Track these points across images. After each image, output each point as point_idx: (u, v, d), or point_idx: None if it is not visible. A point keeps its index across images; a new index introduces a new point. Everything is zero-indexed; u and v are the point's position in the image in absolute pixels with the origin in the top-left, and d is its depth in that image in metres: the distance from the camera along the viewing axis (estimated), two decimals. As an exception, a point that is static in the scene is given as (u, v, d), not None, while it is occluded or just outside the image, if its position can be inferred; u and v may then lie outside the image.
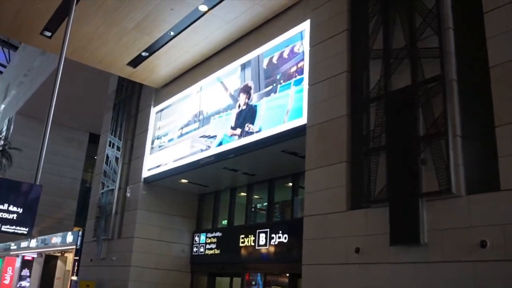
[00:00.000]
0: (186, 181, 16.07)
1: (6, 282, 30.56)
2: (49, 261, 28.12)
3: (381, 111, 8.53)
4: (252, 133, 12.45)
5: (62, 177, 33.88)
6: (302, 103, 10.98)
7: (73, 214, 32.86)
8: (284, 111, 11.56)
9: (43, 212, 26.69)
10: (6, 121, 38.73)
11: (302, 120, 10.81)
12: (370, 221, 8.45)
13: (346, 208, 9.00)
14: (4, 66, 49.14)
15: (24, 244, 29.22)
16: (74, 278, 20.31)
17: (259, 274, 14.61)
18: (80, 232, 21.70)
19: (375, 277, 8.16)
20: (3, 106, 42.34)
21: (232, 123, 13.32)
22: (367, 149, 8.65)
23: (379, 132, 8.45)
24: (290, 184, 14.25)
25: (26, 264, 29.27)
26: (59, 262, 27.88)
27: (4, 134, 37.94)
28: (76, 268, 21.03)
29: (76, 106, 28.70)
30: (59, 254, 27.25)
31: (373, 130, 8.60)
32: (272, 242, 13.78)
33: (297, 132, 10.96)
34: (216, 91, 14.50)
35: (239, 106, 13.27)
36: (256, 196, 16.08)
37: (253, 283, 14.81)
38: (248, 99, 12.95)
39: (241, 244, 14.90)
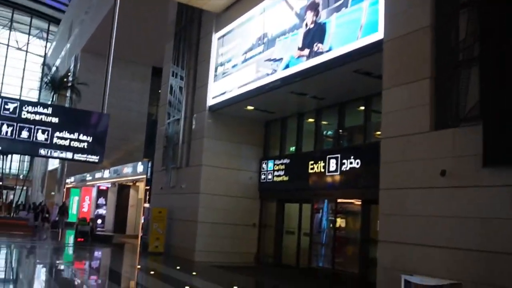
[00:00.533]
0: (252, 107, 15.65)
1: (85, 210, 32.41)
2: (122, 190, 29.36)
3: (474, 17, 7.49)
4: (321, 53, 11.65)
5: (129, 111, 34.66)
6: (377, 16, 9.99)
7: (142, 146, 33.69)
8: (357, 26, 10.62)
9: (113, 145, 27.56)
10: (73, 58, 39.61)
11: (378, 35, 9.89)
12: (458, 142, 7.68)
13: (430, 129, 8.24)
14: (66, 5, 49.71)
15: (98, 174, 30.55)
16: (147, 205, 20.98)
17: (326, 200, 14.30)
18: (149, 162, 22.16)
19: (464, 202, 7.50)
20: (68, 44, 43.20)
21: (299, 43, 12.53)
22: (456, 62, 7.72)
23: (471, 42, 7.46)
24: (362, 107, 13.47)
25: (102, 193, 30.75)
26: (131, 191, 29.05)
27: (72, 71, 38.97)
28: (148, 196, 21.70)
29: (138, 40, 28.70)
30: (131, 184, 28.32)
31: (463, 40, 7.62)
32: (343, 168, 13.26)
33: (372, 49, 10.08)
34: (280, 11, 13.63)
35: (306, 25, 12.40)
36: (325, 122, 15.47)
37: (322, 209, 14.56)
38: (316, 16, 12.03)
39: (310, 171, 14.51)
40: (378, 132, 12.83)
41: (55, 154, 12.66)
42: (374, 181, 9.83)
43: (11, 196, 49.66)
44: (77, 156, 12.54)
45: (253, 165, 17.09)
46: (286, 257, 15.98)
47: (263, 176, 16.83)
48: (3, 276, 11.45)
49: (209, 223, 16.16)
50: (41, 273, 12.66)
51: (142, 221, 20.88)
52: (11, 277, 11.47)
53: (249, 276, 13.92)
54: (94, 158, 12.66)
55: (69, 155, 12.49)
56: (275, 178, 16.13)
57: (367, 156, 12.42)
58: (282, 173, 15.81)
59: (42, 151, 12.36)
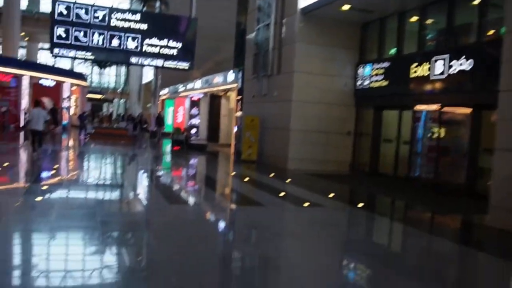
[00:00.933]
0: (348, 7, 14.39)
1: (179, 120, 33.41)
2: (214, 100, 29.69)
3: None
4: None
5: (217, 21, 33.97)
6: None
7: (231, 57, 33.33)
8: None
9: (203, 56, 27.45)
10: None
11: None
12: None
13: None
14: None
15: (190, 85, 30.97)
16: (239, 114, 20.94)
17: (429, 106, 13.16)
18: (240, 72, 21.81)
19: None
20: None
21: None
22: None
23: None
24: (476, 1, 11.81)
25: (194, 103, 31.34)
26: (223, 101, 29.28)
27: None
28: (239, 105, 21.61)
29: None
30: (223, 93, 28.43)
31: None
32: (450, 71, 11.99)
33: None
34: None
35: None
36: (430, 20, 13.91)
37: (425, 116, 13.50)
38: None
39: (412, 74, 13.35)
40: (492, 31, 11.36)
41: (146, 62, 12.54)
42: (487, 85, 8.68)
43: (111, 109, 52.51)
44: (167, 63, 12.35)
45: (348, 70, 16.11)
46: (382, 166, 15.35)
47: (359, 82, 15.87)
48: (109, 182, 11.97)
49: (302, 131, 15.76)
50: (142, 179, 13.13)
51: (235, 130, 20.96)
52: (116, 183, 11.96)
53: (343, 184, 13.54)
54: (184, 65, 12.42)
55: (159, 62, 12.32)
56: (372, 84, 15.14)
57: (480, 56, 11.08)
58: (380, 78, 14.75)
59: (133, 59, 12.27)
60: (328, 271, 5.60)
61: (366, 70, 15.43)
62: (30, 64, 34.20)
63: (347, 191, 12.77)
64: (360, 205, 10.06)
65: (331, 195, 10.71)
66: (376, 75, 14.93)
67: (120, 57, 12.78)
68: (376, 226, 8.70)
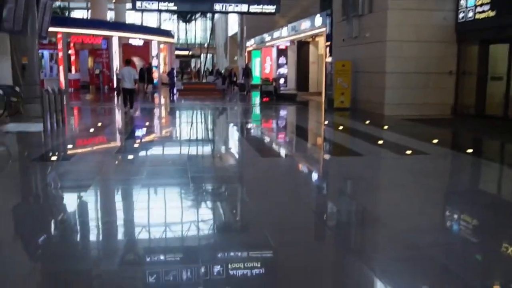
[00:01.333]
0: None
1: (267, 71, 32.97)
2: (302, 47, 28.80)
3: None
4: None
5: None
6: None
7: (317, 1, 31.99)
8: None
9: (288, 3, 26.54)
10: None
11: None
12: None
13: None
14: None
15: (276, 34, 30.21)
16: (329, 60, 20.04)
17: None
18: (328, 16, 20.71)
19: None
20: None
21: None
22: None
23: None
24: None
25: (282, 52, 30.65)
26: (311, 47, 28.34)
27: None
28: (329, 51, 20.67)
29: None
30: (310, 40, 27.45)
31: None
32: None
33: None
34: None
35: None
36: None
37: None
38: None
39: (526, 1, 11.77)
40: None
41: (230, 8, 12.08)
42: None
43: (199, 64, 53.13)
44: (253, 8, 11.82)
45: (448, 3, 14.65)
46: (490, 107, 14.03)
47: (461, 15, 14.36)
48: (200, 137, 11.97)
49: (398, 73, 14.72)
50: (233, 133, 12.99)
51: (325, 76, 20.16)
52: (208, 138, 11.93)
53: (447, 128, 12.52)
54: (270, 8, 11.81)
55: (244, 7, 11.81)
56: (477, 15, 13.62)
57: None
58: (486, 8, 13.21)
59: (217, 6, 11.86)
60: (438, 225, 5.03)
61: (469, 1, 13.87)
62: (119, 25, 35.12)
63: (453, 136, 11.78)
64: (469, 151, 9.14)
65: (435, 141, 9.86)
66: (482, 5, 13.39)
67: (204, 5, 12.41)
68: (490, 174, 7.83)
